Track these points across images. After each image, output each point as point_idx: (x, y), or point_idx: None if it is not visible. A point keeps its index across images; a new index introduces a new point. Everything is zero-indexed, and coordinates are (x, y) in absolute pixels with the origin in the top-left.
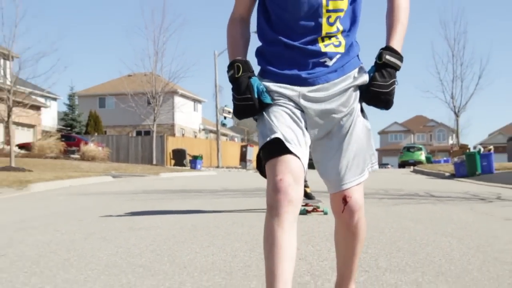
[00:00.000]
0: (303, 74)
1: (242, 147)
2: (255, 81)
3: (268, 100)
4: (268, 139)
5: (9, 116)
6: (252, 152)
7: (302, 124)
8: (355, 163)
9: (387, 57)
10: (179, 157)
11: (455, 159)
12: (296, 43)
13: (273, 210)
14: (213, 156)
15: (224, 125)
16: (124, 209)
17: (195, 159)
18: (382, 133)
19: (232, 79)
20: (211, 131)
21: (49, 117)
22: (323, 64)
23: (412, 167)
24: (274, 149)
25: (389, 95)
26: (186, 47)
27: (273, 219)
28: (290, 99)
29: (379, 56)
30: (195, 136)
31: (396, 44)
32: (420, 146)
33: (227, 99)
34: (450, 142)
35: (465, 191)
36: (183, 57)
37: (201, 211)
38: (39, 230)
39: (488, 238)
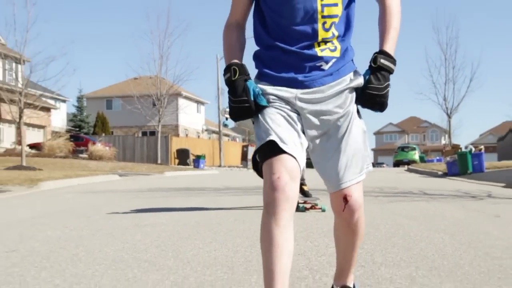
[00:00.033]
0: (300, 77)
1: (243, 147)
2: (251, 84)
3: (264, 102)
4: (263, 141)
5: (20, 117)
6: (253, 152)
7: (298, 127)
8: (354, 163)
9: (382, 60)
10: (183, 156)
11: (448, 159)
12: (293, 48)
13: (270, 208)
14: (215, 155)
15: (226, 126)
16: (130, 206)
17: (198, 159)
18: (377, 133)
19: (229, 82)
20: (213, 132)
21: (59, 118)
22: (319, 68)
23: (406, 166)
24: (270, 150)
25: (384, 98)
26: (190, 51)
27: (270, 218)
28: (286, 101)
29: (374, 60)
30: (198, 137)
31: (390, 48)
32: (414, 146)
33: None
34: (443, 142)
35: (457, 189)
36: (187, 61)
37: (204, 208)
38: (49, 226)
39: (479, 234)
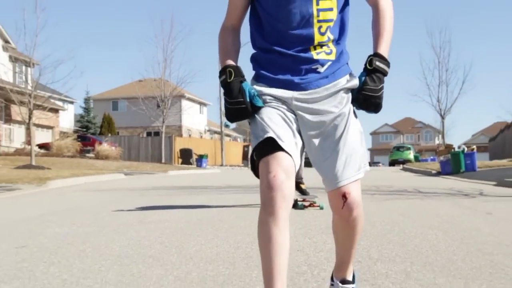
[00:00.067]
0: (296, 79)
1: (244, 146)
2: (247, 86)
3: (259, 103)
4: (261, 139)
5: (30, 118)
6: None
7: (294, 126)
8: (352, 161)
9: (377, 63)
10: (186, 156)
11: (441, 158)
12: (289, 51)
13: (268, 207)
14: (217, 155)
15: (228, 127)
16: (135, 204)
17: (200, 158)
18: (373, 133)
19: (224, 84)
20: (215, 132)
21: (67, 119)
22: (315, 71)
23: (401, 165)
24: (267, 148)
25: (379, 99)
26: (193, 54)
27: (268, 217)
28: (283, 101)
29: (370, 62)
30: (201, 137)
31: (384, 51)
32: (409, 146)
33: None
34: (437, 142)
35: (450, 188)
36: (190, 64)
37: (206, 206)
38: (57, 223)
39: (471, 231)
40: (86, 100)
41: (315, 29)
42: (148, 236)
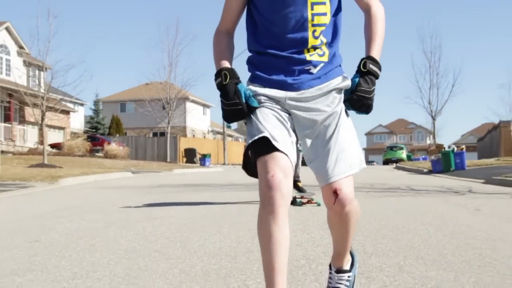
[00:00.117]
0: (289, 79)
1: (245, 146)
2: (242, 87)
3: (255, 104)
4: (256, 138)
5: (42, 119)
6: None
7: (288, 125)
8: (343, 158)
9: (371, 66)
10: (190, 155)
11: (432, 157)
12: (283, 53)
13: (267, 206)
14: (220, 154)
15: (229, 127)
16: (142, 201)
17: (204, 157)
18: (368, 134)
19: (220, 86)
20: (218, 133)
21: (77, 121)
22: (308, 72)
23: (394, 164)
24: (263, 147)
25: (371, 100)
26: (196, 58)
27: (268, 216)
28: (277, 101)
29: (364, 65)
30: (204, 137)
31: (376, 54)
32: (402, 146)
33: None
34: (428, 142)
35: (441, 185)
36: (194, 67)
37: (209, 202)
38: (68, 219)
39: (461, 226)
40: (96, 102)
41: (309, 33)
42: (154, 231)
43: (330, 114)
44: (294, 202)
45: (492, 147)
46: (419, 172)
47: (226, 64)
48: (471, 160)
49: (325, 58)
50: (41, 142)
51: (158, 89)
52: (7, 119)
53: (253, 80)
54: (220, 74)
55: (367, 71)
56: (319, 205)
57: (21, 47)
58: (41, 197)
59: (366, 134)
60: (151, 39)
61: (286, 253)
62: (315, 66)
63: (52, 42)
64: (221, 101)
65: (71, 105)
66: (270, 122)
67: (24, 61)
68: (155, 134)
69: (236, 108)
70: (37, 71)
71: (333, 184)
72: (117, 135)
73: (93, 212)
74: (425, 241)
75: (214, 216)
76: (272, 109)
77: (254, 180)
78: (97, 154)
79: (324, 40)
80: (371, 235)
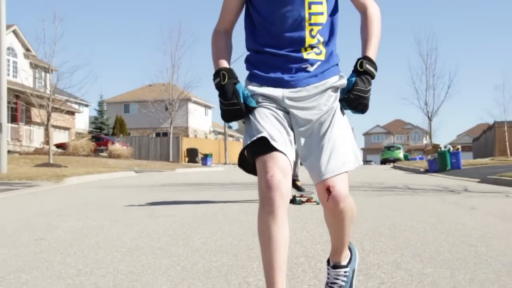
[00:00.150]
0: (286, 77)
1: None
2: (240, 87)
3: (253, 104)
4: (255, 137)
5: (48, 120)
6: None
7: (286, 124)
8: (336, 155)
9: (367, 65)
10: (192, 155)
11: (429, 157)
12: (281, 52)
13: (267, 206)
14: (221, 154)
15: (231, 128)
16: (145, 199)
17: (206, 157)
18: (366, 134)
19: (219, 86)
20: (219, 133)
21: (82, 121)
22: (305, 70)
23: (392, 164)
24: (262, 147)
25: (367, 100)
26: (199, 60)
27: (268, 216)
28: (274, 100)
29: (360, 64)
30: (206, 137)
31: (372, 55)
32: (399, 146)
33: None
34: (424, 142)
35: (437, 184)
36: (196, 69)
37: (211, 201)
38: (73, 217)
39: (456, 224)
40: (100, 103)
41: (307, 32)
42: (157, 229)
43: (325, 112)
44: (293, 201)
45: (487, 147)
46: (416, 171)
47: (224, 64)
48: (466, 159)
49: (322, 57)
50: (47, 142)
51: (161, 90)
52: (14, 119)
53: (251, 78)
54: (219, 74)
55: (363, 71)
56: (318, 203)
57: (27, 49)
58: (46, 195)
59: (364, 134)
60: (154, 42)
61: (285, 251)
62: (312, 65)
63: (57, 44)
64: (220, 101)
65: (76, 106)
66: (269, 122)
67: (31, 63)
68: (158, 135)
69: (235, 108)
70: (43, 73)
71: (326, 181)
72: (121, 135)
73: (97, 210)
74: (422, 239)
75: (215, 215)
76: (270, 109)
77: (255, 179)
78: (101, 154)
79: (321, 39)
80: (369, 233)
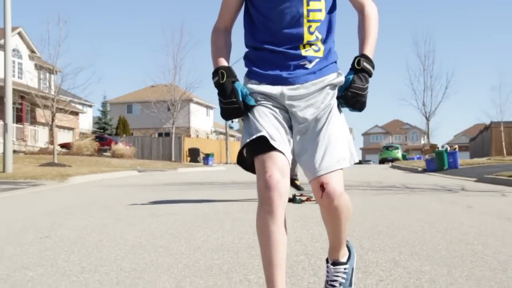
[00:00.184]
0: (284, 74)
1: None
2: (239, 86)
3: (252, 102)
4: (254, 136)
5: (53, 120)
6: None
7: (285, 123)
8: (331, 152)
9: (364, 63)
10: (194, 155)
11: (426, 157)
12: (279, 49)
13: (265, 206)
14: (222, 154)
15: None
16: (148, 198)
17: (207, 157)
18: (365, 134)
19: (218, 85)
20: (221, 133)
21: (86, 121)
22: (303, 67)
23: (390, 163)
24: (261, 146)
25: (365, 98)
26: (200, 61)
27: (267, 215)
28: (273, 98)
29: (358, 62)
30: (208, 137)
31: (370, 53)
32: (397, 146)
33: None
34: (422, 142)
35: (434, 184)
36: (198, 71)
37: (213, 200)
38: (77, 216)
39: (454, 223)
40: (104, 104)
41: (305, 28)
42: (160, 227)
43: (322, 110)
44: (293, 200)
45: (484, 147)
46: (414, 171)
47: (223, 62)
48: (463, 159)
49: (320, 54)
50: (51, 142)
51: (163, 91)
52: (19, 120)
53: (249, 75)
54: (217, 72)
55: (361, 69)
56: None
57: (32, 51)
58: (51, 194)
59: (363, 135)
60: (157, 43)
61: (284, 250)
62: (310, 61)
63: (62, 46)
64: (219, 99)
65: (80, 107)
66: (268, 121)
67: (36, 65)
68: (160, 135)
69: (233, 107)
70: (47, 74)
71: (320, 178)
72: (124, 135)
73: (101, 209)
74: (420, 237)
75: (217, 213)
76: (269, 107)
77: (255, 179)
78: (104, 153)
79: (319, 36)
80: (367, 231)
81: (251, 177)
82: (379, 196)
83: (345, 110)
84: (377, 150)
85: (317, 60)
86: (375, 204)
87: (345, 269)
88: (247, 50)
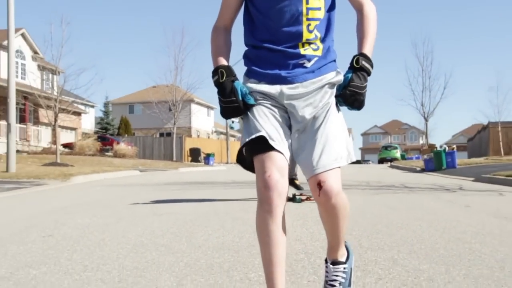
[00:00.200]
0: (283, 73)
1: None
2: (238, 85)
3: (251, 101)
4: (253, 136)
5: (55, 120)
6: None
7: (284, 122)
8: (328, 151)
9: (363, 62)
10: (195, 154)
11: (425, 156)
12: (279, 47)
13: (264, 205)
14: (223, 153)
15: (232, 128)
16: (149, 197)
17: (208, 156)
18: (364, 134)
19: (217, 84)
20: (221, 133)
21: (88, 121)
22: (302, 65)
23: (389, 163)
24: (260, 145)
25: (363, 96)
26: (201, 62)
27: (266, 215)
28: (272, 97)
29: (356, 61)
30: (208, 137)
31: (368, 52)
32: (396, 146)
33: None
34: (421, 142)
35: (433, 183)
36: (198, 71)
37: (213, 199)
38: (79, 215)
39: (452, 222)
40: (106, 104)
41: (304, 26)
42: (161, 226)
43: (320, 108)
44: (293, 199)
45: (481, 147)
46: (412, 170)
47: (223, 61)
48: (461, 159)
49: (319, 53)
50: (54, 142)
51: (164, 91)
52: (22, 120)
53: (249, 74)
54: (217, 72)
55: (359, 67)
56: None
57: (35, 52)
58: (54, 194)
59: (362, 135)
60: (158, 44)
61: (283, 248)
62: (309, 60)
63: (64, 47)
64: (219, 98)
65: (82, 107)
66: (267, 121)
67: (38, 66)
68: (161, 135)
69: (233, 106)
70: (50, 75)
71: (318, 176)
72: (126, 135)
73: (103, 208)
74: (418, 236)
75: (217, 212)
76: (268, 107)
77: (255, 178)
78: (106, 153)
79: (318, 35)
80: (366, 230)
81: (251, 176)
82: (378, 196)
83: (344, 108)
84: (376, 150)
85: (316, 58)
86: (374, 203)
87: (344, 268)
88: (246, 49)
